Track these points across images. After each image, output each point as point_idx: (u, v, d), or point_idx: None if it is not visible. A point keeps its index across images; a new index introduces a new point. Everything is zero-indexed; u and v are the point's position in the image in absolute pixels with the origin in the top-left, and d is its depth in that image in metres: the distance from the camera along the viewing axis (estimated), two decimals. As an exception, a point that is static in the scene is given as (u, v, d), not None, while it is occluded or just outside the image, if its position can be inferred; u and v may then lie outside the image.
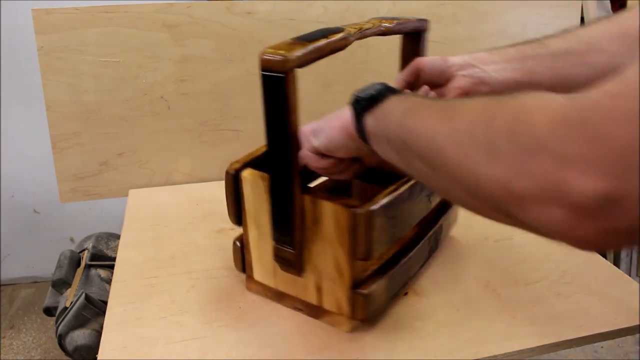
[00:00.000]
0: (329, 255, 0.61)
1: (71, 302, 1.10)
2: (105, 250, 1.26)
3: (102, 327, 0.66)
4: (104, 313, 0.69)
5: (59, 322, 1.10)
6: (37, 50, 0.95)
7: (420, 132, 0.40)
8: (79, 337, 1.08)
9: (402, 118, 0.44)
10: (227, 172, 0.65)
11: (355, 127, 0.52)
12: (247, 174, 0.64)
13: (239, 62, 1.04)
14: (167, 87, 1.02)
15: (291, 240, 0.60)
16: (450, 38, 1.13)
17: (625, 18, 0.59)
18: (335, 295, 0.63)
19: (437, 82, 0.67)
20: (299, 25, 1.04)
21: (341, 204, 0.57)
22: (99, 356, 0.61)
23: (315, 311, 0.66)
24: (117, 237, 1.31)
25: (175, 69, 1.01)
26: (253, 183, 0.63)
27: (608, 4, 2.17)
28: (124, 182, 1.05)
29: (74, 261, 1.23)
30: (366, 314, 0.62)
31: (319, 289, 0.64)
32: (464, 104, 0.38)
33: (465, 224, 0.84)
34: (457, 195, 0.38)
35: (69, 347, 1.09)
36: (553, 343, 0.63)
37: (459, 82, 0.64)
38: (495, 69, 0.63)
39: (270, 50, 0.51)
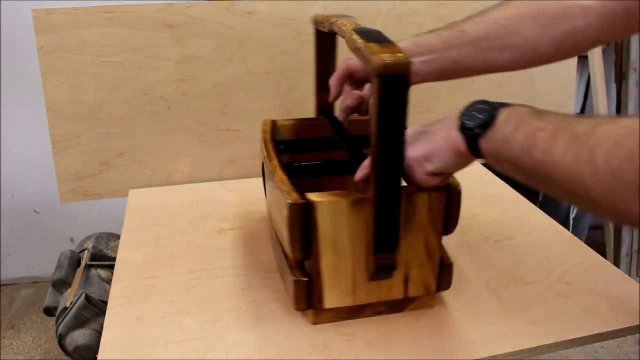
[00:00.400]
0: (419, 243, 0.62)
1: (71, 302, 1.10)
2: (105, 250, 1.26)
3: (102, 327, 0.66)
4: (104, 313, 0.69)
5: (59, 322, 1.10)
6: (37, 50, 0.95)
7: (557, 168, 0.42)
8: (79, 337, 1.08)
9: (529, 150, 0.45)
10: (292, 205, 0.57)
11: (470, 150, 0.53)
12: (322, 198, 0.58)
13: (239, 62, 1.04)
14: (167, 87, 1.02)
15: (396, 244, 0.59)
16: (450, 38, 1.13)
17: None
18: (423, 279, 0.65)
19: (369, 79, 0.70)
20: (299, 25, 1.04)
21: (435, 190, 0.60)
22: (99, 356, 0.61)
23: (399, 305, 0.67)
24: (117, 237, 1.30)
25: (175, 69, 1.01)
26: (332, 206, 0.58)
27: (608, 4, 2.17)
28: (124, 182, 1.05)
29: (74, 261, 1.23)
30: (451, 281, 0.67)
31: (406, 281, 0.64)
32: (592, 137, 0.40)
33: (465, 224, 0.84)
34: (609, 219, 0.41)
35: (69, 347, 1.09)
36: (553, 343, 0.63)
37: None
38: (422, 61, 0.66)
39: (386, 55, 0.50)
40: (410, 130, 0.58)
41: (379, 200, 0.56)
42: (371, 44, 0.53)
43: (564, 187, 0.43)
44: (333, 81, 0.72)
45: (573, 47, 0.63)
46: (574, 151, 0.40)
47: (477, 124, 0.51)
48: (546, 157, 0.43)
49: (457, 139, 0.53)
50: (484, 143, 0.51)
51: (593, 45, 0.65)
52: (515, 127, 0.48)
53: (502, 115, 0.50)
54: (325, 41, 0.80)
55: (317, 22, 0.78)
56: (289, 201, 0.58)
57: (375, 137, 0.53)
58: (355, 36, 0.57)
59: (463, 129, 0.52)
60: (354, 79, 0.72)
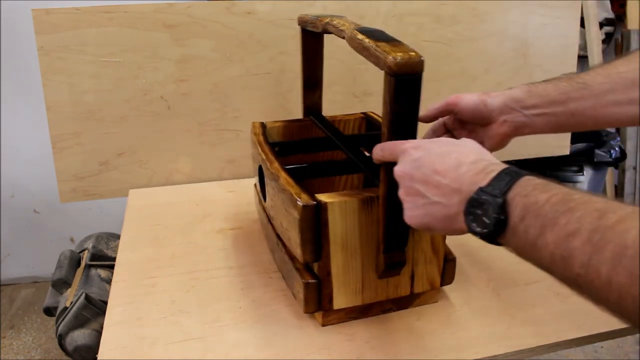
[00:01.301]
0: (425, 240, 0.64)
1: (71, 302, 1.10)
2: (105, 250, 1.26)
3: (102, 327, 0.66)
4: (104, 313, 0.69)
5: (59, 322, 1.10)
6: (37, 50, 0.95)
7: (604, 288, 0.35)
8: (79, 337, 1.08)
9: (563, 262, 0.38)
10: (304, 207, 0.57)
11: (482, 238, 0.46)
12: (333, 199, 0.58)
13: (239, 62, 1.04)
14: (167, 87, 1.02)
15: (406, 241, 0.59)
16: (450, 38, 1.13)
17: None
18: (429, 274, 0.66)
19: (473, 123, 0.67)
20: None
21: None
22: (99, 356, 0.61)
23: (405, 302, 0.68)
24: (117, 237, 1.31)
25: (175, 69, 1.01)
26: (343, 206, 0.58)
27: (608, 4, 2.18)
28: (124, 182, 1.05)
29: (74, 261, 1.24)
30: (454, 275, 0.69)
31: (412, 278, 0.65)
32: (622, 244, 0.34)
33: (465, 224, 0.84)
34: None
35: (69, 347, 1.09)
36: (553, 343, 0.63)
37: (500, 128, 0.65)
38: (536, 113, 0.63)
39: (399, 54, 0.50)
40: (409, 161, 0.51)
41: (390, 198, 0.56)
42: (381, 43, 0.53)
43: (613, 307, 0.36)
44: (432, 108, 0.69)
45: None
46: (626, 270, 0.33)
47: (486, 231, 0.44)
48: (589, 274, 0.36)
49: (464, 229, 0.47)
50: (503, 242, 0.44)
51: None
52: (540, 230, 0.40)
53: (515, 213, 0.42)
54: (313, 41, 0.80)
55: (305, 22, 0.77)
56: (301, 203, 0.57)
57: (387, 135, 0.53)
58: (361, 36, 0.56)
59: (471, 231, 0.46)
60: (460, 117, 0.68)
